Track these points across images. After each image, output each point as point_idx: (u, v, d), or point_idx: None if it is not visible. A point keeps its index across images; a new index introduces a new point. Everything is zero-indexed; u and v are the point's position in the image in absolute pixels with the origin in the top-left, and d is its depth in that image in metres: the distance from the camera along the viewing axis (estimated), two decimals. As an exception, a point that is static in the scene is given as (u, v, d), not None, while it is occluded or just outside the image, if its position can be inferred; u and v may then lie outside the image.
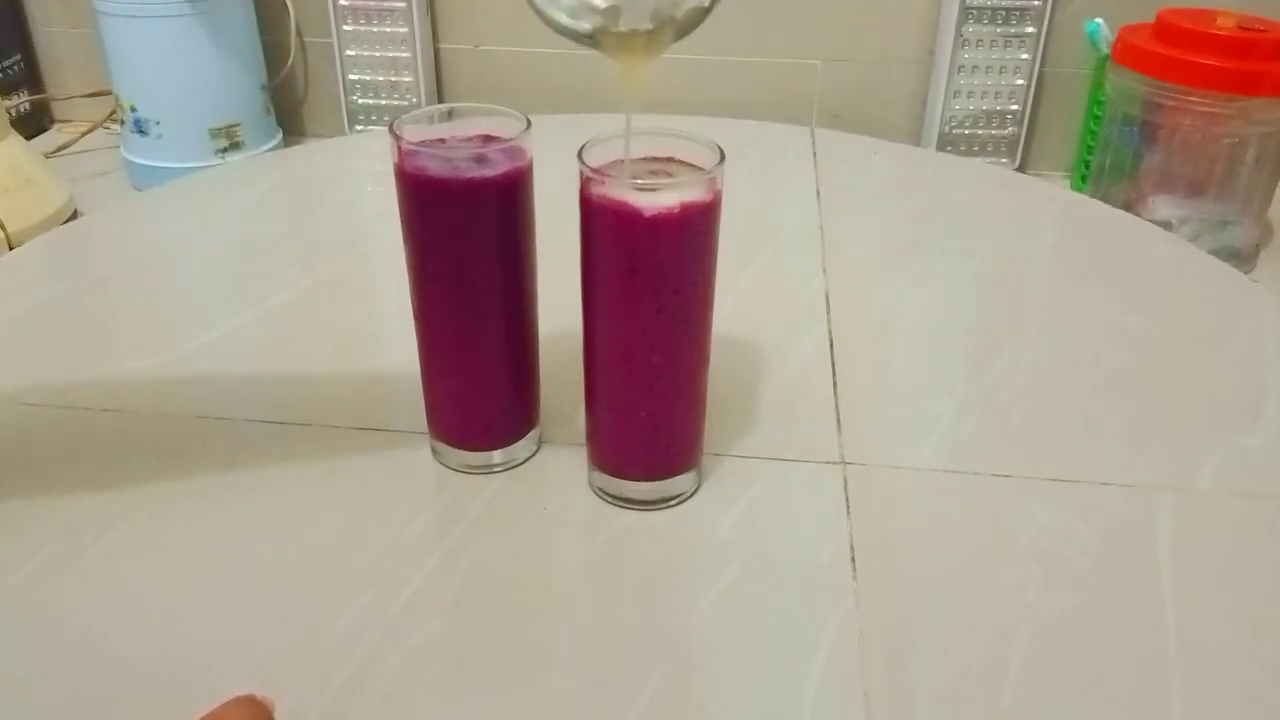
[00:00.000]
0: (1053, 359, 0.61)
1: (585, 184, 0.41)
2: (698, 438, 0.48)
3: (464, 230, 0.43)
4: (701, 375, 0.46)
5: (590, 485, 0.49)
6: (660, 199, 0.40)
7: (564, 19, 0.40)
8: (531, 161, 0.44)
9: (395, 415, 0.54)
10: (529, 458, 0.51)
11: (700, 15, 0.40)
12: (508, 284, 0.46)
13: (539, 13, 0.40)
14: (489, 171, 0.42)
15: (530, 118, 0.44)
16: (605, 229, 0.41)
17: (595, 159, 0.41)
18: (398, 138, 0.42)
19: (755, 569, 0.45)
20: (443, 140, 0.45)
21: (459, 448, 0.50)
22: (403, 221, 0.45)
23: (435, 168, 0.42)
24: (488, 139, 0.44)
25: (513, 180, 0.43)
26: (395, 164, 0.43)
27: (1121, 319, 0.66)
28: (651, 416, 0.46)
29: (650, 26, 0.40)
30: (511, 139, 0.44)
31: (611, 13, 0.40)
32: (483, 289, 0.45)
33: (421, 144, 0.43)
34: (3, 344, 0.62)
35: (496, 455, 0.50)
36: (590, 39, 0.40)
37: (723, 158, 0.41)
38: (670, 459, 0.47)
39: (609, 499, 0.48)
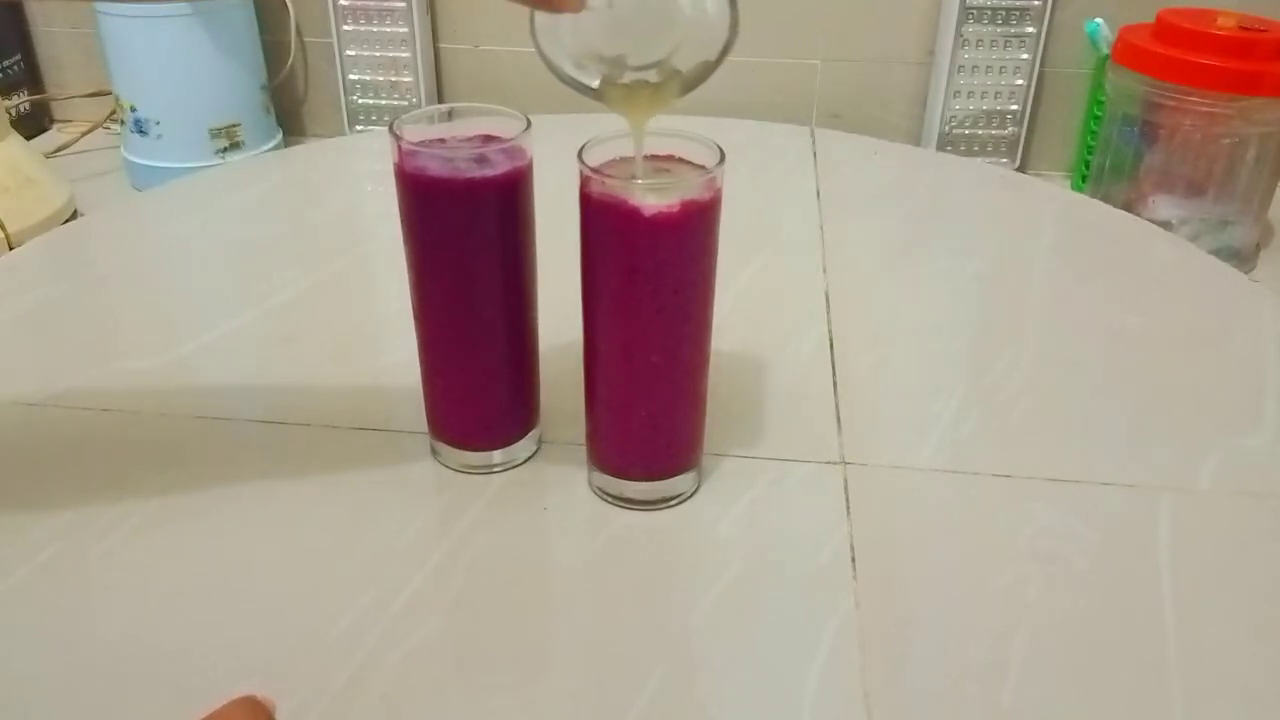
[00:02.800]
0: (1053, 359, 0.61)
1: (585, 183, 0.41)
2: (698, 438, 0.48)
3: (464, 230, 0.43)
4: (701, 375, 0.46)
5: (590, 485, 0.49)
6: (660, 198, 0.40)
7: (569, 69, 0.40)
8: (531, 161, 0.44)
9: (395, 415, 0.54)
10: (529, 458, 0.51)
11: (707, 70, 0.39)
12: (508, 284, 0.46)
13: (546, 61, 0.40)
14: (489, 171, 0.42)
15: (530, 118, 0.44)
16: (605, 229, 0.41)
17: (595, 159, 0.41)
18: (398, 138, 0.42)
19: (755, 569, 0.45)
20: (443, 140, 0.45)
21: (459, 448, 0.50)
22: (403, 221, 0.45)
23: (435, 168, 0.42)
24: (488, 139, 0.44)
25: (513, 180, 0.43)
26: (395, 164, 0.43)
27: (1121, 319, 0.66)
28: (651, 416, 0.46)
29: (656, 80, 0.39)
30: (511, 139, 0.44)
31: (617, 64, 0.39)
32: (483, 289, 0.45)
33: (421, 144, 0.43)
34: (3, 344, 0.62)
35: (496, 455, 0.50)
36: (595, 91, 0.40)
37: (723, 157, 0.41)
38: (670, 459, 0.47)
39: (609, 499, 0.48)
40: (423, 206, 0.43)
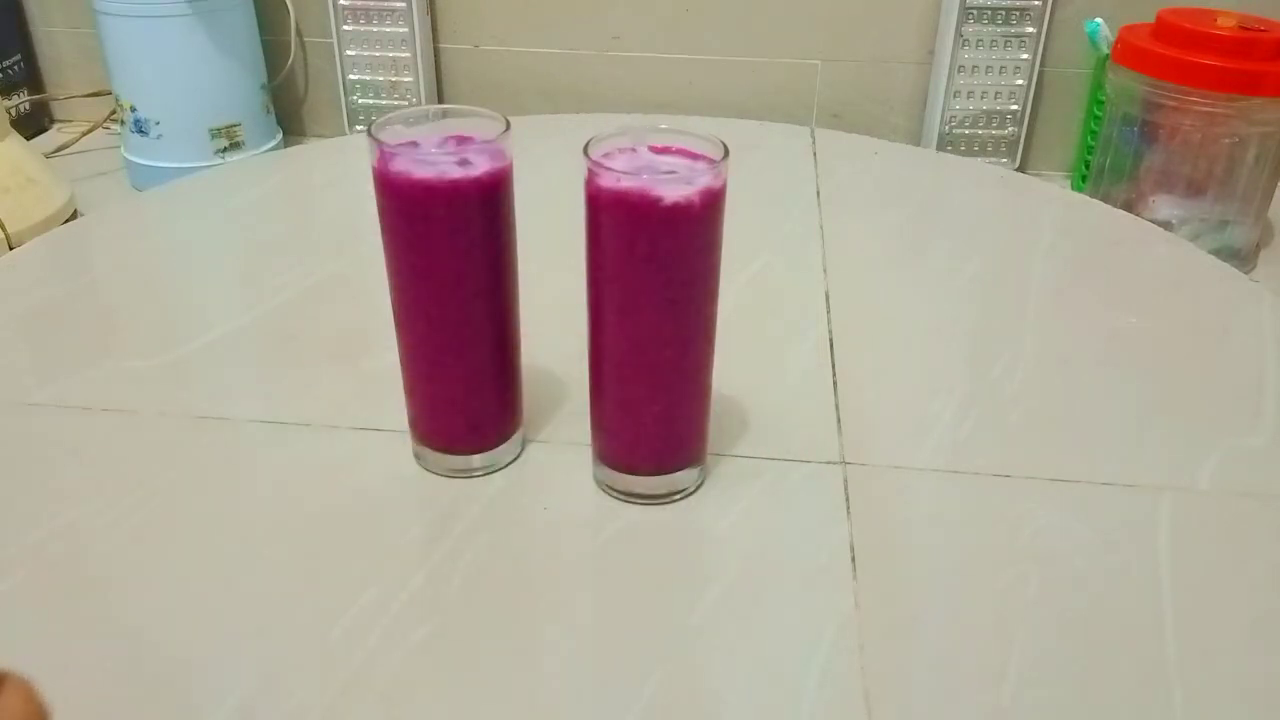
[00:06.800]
0: (1053, 359, 0.61)
1: (595, 177, 0.41)
2: (704, 431, 0.48)
3: (445, 233, 0.43)
4: (709, 369, 0.46)
5: (595, 481, 0.49)
6: (677, 187, 0.40)
7: None
8: (512, 163, 0.44)
9: (395, 416, 0.54)
10: (512, 460, 0.51)
11: None
12: (491, 285, 0.45)
13: None
14: (469, 173, 0.42)
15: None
16: (619, 220, 0.41)
17: (603, 152, 0.41)
18: (378, 141, 0.42)
19: (755, 569, 0.45)
20: (419, 143, 0.44)
21: (443, 452, 0.49)
22: (382, 225, 0.44)
23: (415, 170, 0.42)
24: (466, 141, 0.44)
25: (493, 182, 0.43)
26: (374, 167, 0.42)
27: (1121, 319, 0.66)
28: (665, 410, 0.46)
29: None
30: (491, 140, 0.43)
31: None
32: (465, 292, 0.45)
33: (400, 146, 0.43)
34: (3, 344, 0.62)
35: (476, 460, 0.49)
36: None
37: (727, 152, 0.41)
38: (681, 452, 0.48)
39: (615, 494, 0.48)
40: (403, 209, 0.43)
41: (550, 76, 1.11)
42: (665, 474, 0.48)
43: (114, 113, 1.06)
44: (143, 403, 0.55)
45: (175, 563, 0.45)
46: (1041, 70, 1.04)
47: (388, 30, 1.07)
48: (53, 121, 1.21)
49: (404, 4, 1.06)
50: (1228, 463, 0.52)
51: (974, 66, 1.03)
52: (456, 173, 0.42)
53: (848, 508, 0.48)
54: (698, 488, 0.49)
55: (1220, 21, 0.84)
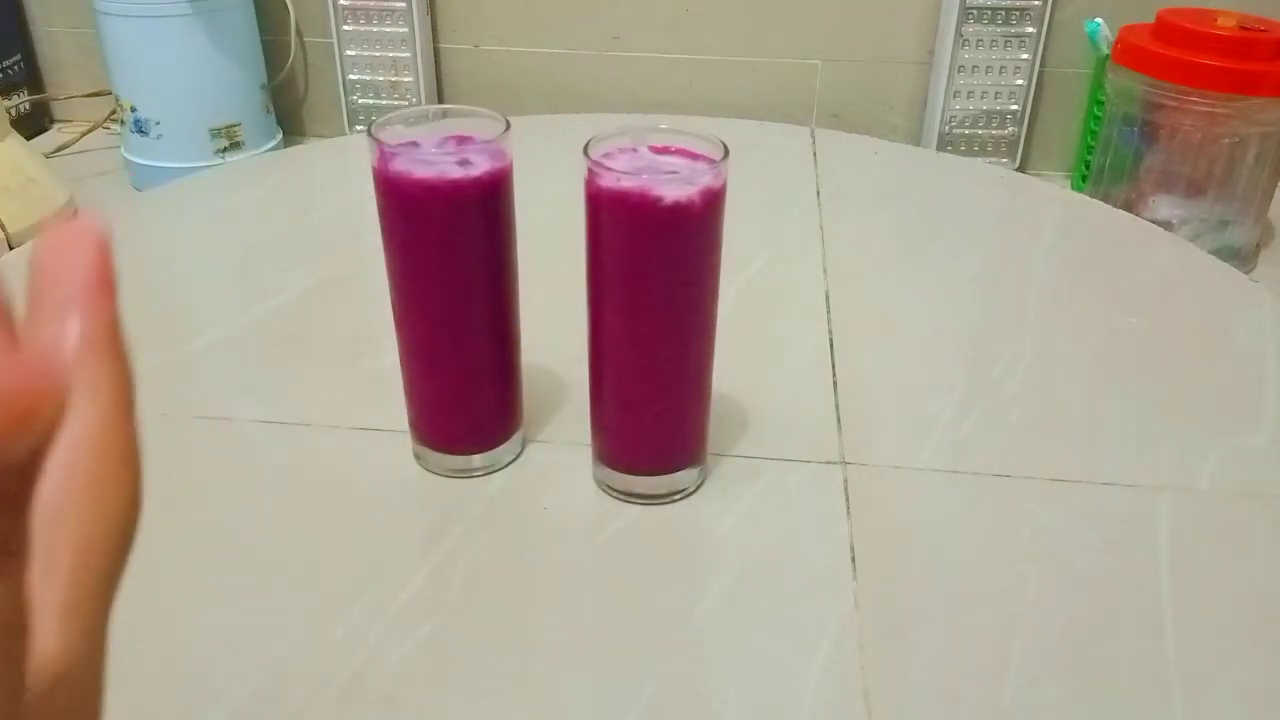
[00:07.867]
0: (1053, 359, 0.61)
1: (595, 177, 0.41)
2: (704, 431, 0.48)
3: (445, 233, 0.43)
4: (709, 368, 0.46)
5: (596, 481, 0.49)
6: (678, 187, 0.40)
7: None
8: (512, 163, 0.44)
9: (395, 415, 0.54)
10: (512, 460, 0.51)
11: None
12: (491, 285, 0.45)
13: None
14: (469, 173, 0.42)
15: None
16: (620, 221, 0.41)
17: (603, 152, 0.41)
18: (378, 141, 0.42)
19: (755, 569, 0.45)
20: (419, 143, 0.44)
21: (445, 452, 0.49)
22: (382, 225, 0.44)
23: (416, 170, 0.42)
24: (466, 141, 0.44)
25: (493, 182, 0.43)
26: (375, 167, 0.42)
27: (1121, 319, 0.66)
28: (666, 410, 0.46)
29: None
30: (491, 140, 0.43)
31: None
32: (466, 291, 0.45)
33: (400, 146, 0.43)
34: (3, 344, 0.62)
35: (476, 460, 0.49)
36: None
37: (727, 152, 0.41)
38: (679, 453, 0.48)
39: (615, 494, 0.48)
40: (404, 209, 0.43)
41: (550, 76, 1.11)
42: (665, 474, 0.48)
43: (114, 113, 1.06)
44: (143, 403, 0.55)
45: (175, 562, 0.45)
46: (1041, 70, 1.04)
47: (388, 30, 1.07)
48: (53, 121, 1.21)
49: (404, 4, 1.06)
50: (1228, 463, 0.52)
51: (974, 66, 1.03)
52: (456, 173, 0.42)
53: (848, 508, 0.48)
54: (698, 488, 0.49)
55: (1220, 21, 0.84)
